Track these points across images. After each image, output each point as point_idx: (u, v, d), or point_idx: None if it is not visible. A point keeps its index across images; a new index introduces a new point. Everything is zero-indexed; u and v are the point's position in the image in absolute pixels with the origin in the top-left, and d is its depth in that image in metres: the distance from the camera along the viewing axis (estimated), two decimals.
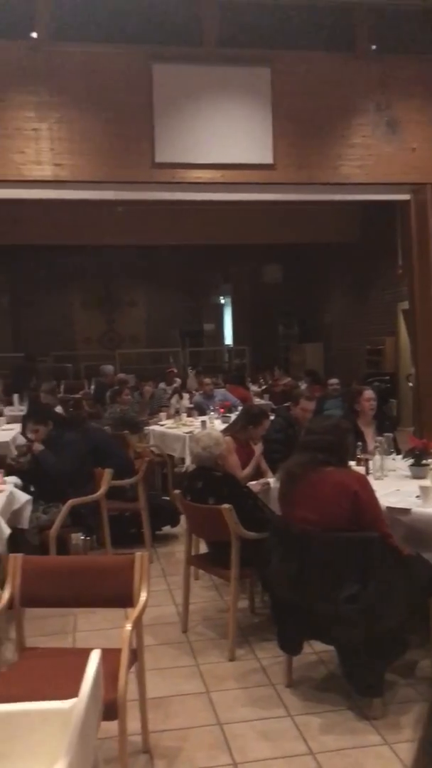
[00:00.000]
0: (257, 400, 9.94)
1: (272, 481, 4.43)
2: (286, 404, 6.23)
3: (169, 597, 4.72)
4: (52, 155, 8.44)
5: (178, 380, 11.26)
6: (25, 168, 8.31)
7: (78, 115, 8.49)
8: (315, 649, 3.78)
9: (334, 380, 9.39)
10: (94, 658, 1.92)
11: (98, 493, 5.16)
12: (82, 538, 5.51)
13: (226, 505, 3.79)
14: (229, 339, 18.98)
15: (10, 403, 9.90)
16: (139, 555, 2.97)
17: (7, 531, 4.17)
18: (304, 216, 11.99)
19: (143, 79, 8.59)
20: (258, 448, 5.00)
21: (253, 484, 4.41)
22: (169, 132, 8.57)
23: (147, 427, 8.05)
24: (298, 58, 8.97)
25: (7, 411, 9.13)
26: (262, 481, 4.53)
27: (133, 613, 2.84)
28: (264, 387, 11.81)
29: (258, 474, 4.90)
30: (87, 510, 5.19)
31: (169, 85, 8.64)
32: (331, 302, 15.54)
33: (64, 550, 5.10)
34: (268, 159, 8.74)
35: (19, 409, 9.37)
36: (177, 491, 4.22)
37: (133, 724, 2.89)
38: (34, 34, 8.62)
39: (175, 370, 12.04)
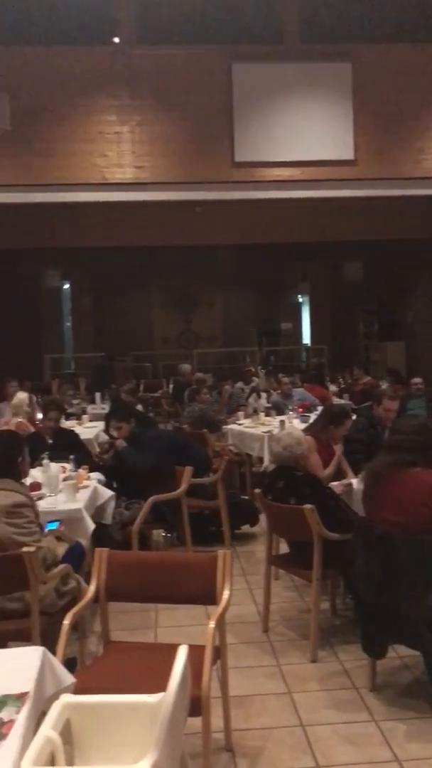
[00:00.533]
0: (336, 400, 9.80)
1: (355, 481, 4.37)
2: (368, 404, 6.11)
3: (249, 596, 4.71)
4: (133, 158, 8.60)
5: (256, 379, 11.23)
6: (107, 171, 8.49)
7: (158, 117, 8.61)
8: (399, 653, 3.69)
9: (417, 379, 9.15)
10: (182, 654, 1.93)
11: (179, 491, 5.20)
12: (163, 534, 5.59)
13: (308, 506, 3.75)
14: (307, 338, 18.81)
15: (93, 402, 10.13)
16: (222, 553, 2.97)
17: (92, 526, 4.26)
18: (385, 211, 11.75)
19: (223, 78, 8.64)
20: (339, 449, 4.92)
21: (335, 485, 4.35)
22: (249, 131, 8.59)
23: (225, 426, 8.07)
24: (380, 51, 8.82)
25: (90, 409, 9.34)
26: (344, 481, 4.46)
27: (216, 610, 2.85)
28: (343, 386, 11.63)
29: (339, 474, 4.83)
30: (168, 507, 5.25)
31: (248, 84, 8.65)
32: (414, 300, 15.16)
33: (146, 546, 5.18)
34: (348, 155, 8.63)
35: (101, 407, 9.58)
36: (257, 490, 4.21)
37: (215, 721, 2.89)
38: (116, 39, 8.80)
39: (253, 369, 12.02)
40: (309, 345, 18.10)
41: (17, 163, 8.51)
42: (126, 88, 8.54)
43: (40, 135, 8.50)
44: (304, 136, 8.56)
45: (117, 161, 8.51)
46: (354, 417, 5.52)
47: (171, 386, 12.57)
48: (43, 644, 2.56)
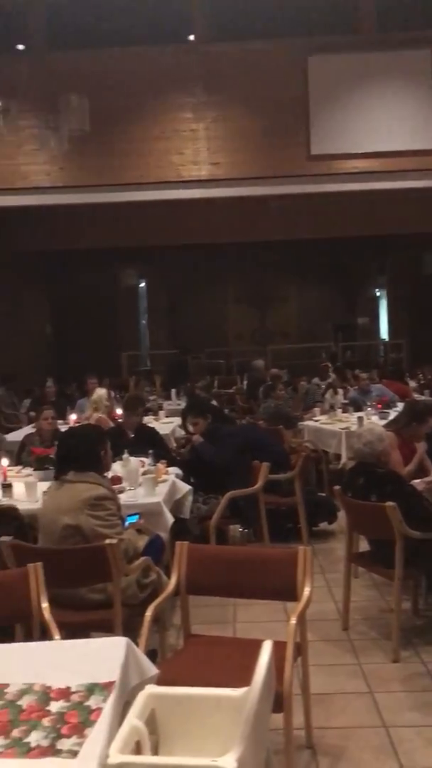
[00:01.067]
0: (417, 396, 9.55)
1: None
2: None
3: (328, 594, 4.66)
4: (209, 154, 8.63)
5: (332, 375, 11.09)
6: (183, 169, 8.55)
7: (233, 113, 8.61)
8: None
9: None
10: (267, 649, 1.92)
11: (256, 486, 5.19)
12: (240, 530, 5.59)
13: (390, 503, 3.67)
14: (384, 333, 18.45)
15: (168, 398, 10.25)
16: (303, 549, 2.95)
17: (171, 519, 4.30)
18: None
19: (298, 71, 8.56)
20: (422, 446, 4.79)
21: (418, 482, 4.25)
22: (325, 123, 8.48)
23: (301, 423, 8.00)
24: None
25: (166, 405, 9.45)
26: (427, 479, 4.35)
27: (297, 606, 2.82)
28: (423, 382, 11.34)
29: (421, 472, 4.71)
30: (245, 502, 5.24)
31: (325, 76, 8.54)
32: None
33: (223, 541, 5.19)
34: (428, 144, 8.42)
35: (176, 403, 9.68)
36: (337, 487, 4.15)
37: (295, 718, 2.86)
38: (191, 37, 8.85)
39: (329, 365, 11.88)
40: (387, 340, 17.76)
41: (95, 163, 8.68)
42: (201, 85, 8.58)
43: (118, 135, 8.64)
44: (382, 126, 8.39)
45: (193, 158, 8.56)
46: None
47: (245, 382, 12.56)
48: (124, 635, 2.60)
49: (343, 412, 7.90)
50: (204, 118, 8.62)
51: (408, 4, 9.03)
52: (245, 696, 1.84)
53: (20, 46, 9.59)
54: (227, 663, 2.72)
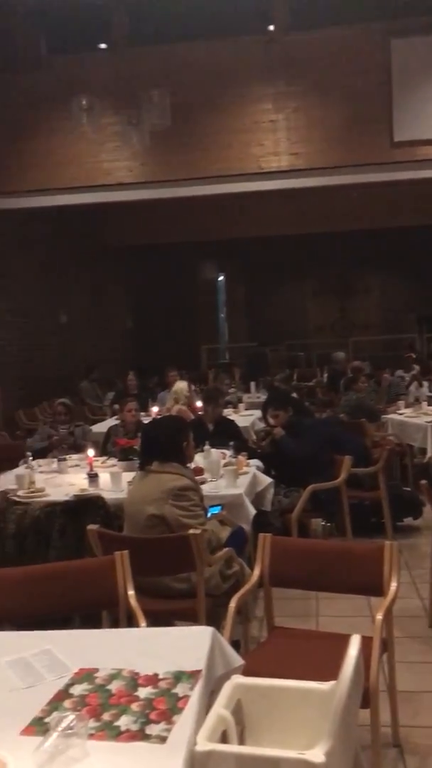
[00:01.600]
0: None
1: None
2: None
3: (413, 590, 4.55)
4: (289, 145, 8.54)
5: (417, 367, 10.81)
6: (263, 160, 8.50)
7: (314, 102, 8.49)
8: None
9: None
10: (355, 643, 1.89)
11: (338, 480, 5.12)
12: (323, 524, 5.54)
13: None
14: None
15: (248, 391, 10.25)
16: (389, 544, 2.89)
17: (253, 511, 4.30)
18: None
19: (381, 56, 8.35)
20: None
21: None
22: (409, 109, 8.25)
23: (385, 416, 7.84)
24: None
25: (246, 398, 9.46)
26: None
27: (384, 602, 2.77)
28: None
29: None
30: (327, 496, 5.19)
31: (408, 60, 8.30)
32: None
33: (304, 535, 5.15)
34: None
35: (256, 396, 9.67)
36: (423, 482, 4.04)
37: (382, 715, 2.80)
38: (271, 27, 8.78)
39: (414, 356, 11.59)
40: None
41: (176, 158, 8.75)
42: (282, 75, 8.49)
43: (198, 129, 8.67)
44: None
45: (273, 149, 8.49)
46: None
47: (325, 375, 12.42)
48: (207, 625, 2.61)
49: (429, 405, 7.69)
50: (284, 109, 8.54)
51: None
52: (333, 689, 1.82)
53: (102, 45, 9.76)
54: (312, 656, 2.70)
